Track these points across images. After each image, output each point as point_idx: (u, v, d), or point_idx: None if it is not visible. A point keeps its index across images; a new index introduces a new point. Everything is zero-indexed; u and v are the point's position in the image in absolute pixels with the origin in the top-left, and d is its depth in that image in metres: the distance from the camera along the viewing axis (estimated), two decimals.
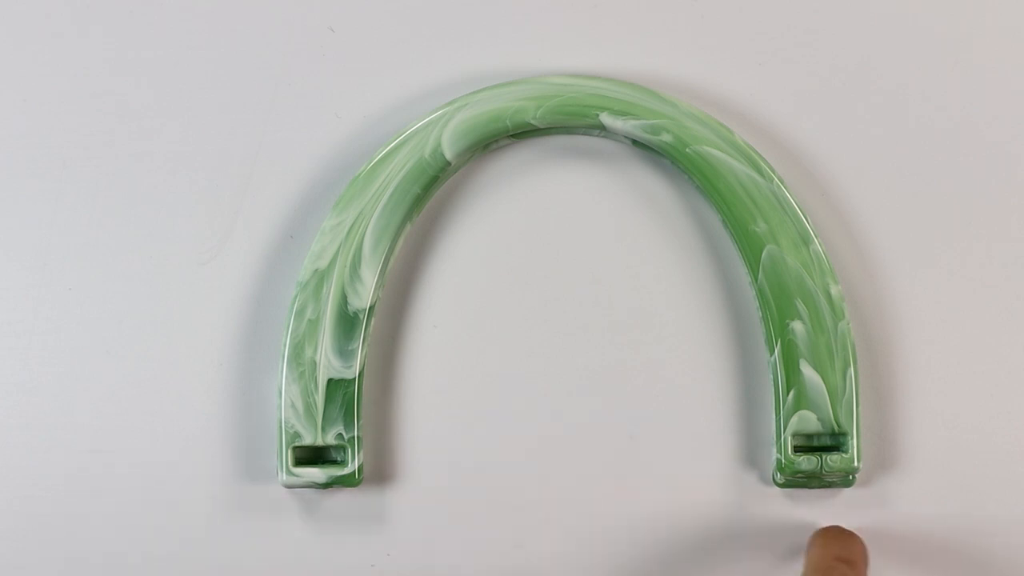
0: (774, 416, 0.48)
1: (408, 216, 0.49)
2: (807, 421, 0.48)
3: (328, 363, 0.48)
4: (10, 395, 0.50)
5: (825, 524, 0.49)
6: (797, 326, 0.48)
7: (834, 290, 0.48)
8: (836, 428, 0.48)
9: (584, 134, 0.50)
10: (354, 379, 0.48)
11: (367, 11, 0.51)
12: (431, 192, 0.49)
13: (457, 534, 0.50)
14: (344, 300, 0.48)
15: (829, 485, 0.49)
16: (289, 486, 0.48)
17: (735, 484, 0.50)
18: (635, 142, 0.50)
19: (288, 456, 0.48)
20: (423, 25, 0.51)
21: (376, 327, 0.50)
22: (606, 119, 0.49)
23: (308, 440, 0.48)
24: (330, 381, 0.48)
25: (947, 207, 0.50)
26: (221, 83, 0.50)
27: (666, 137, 0.49)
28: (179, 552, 0.49)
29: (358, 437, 0.48)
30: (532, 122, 0.49)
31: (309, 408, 0.48)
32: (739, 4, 0.51)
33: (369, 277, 0.48)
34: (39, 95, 0.51)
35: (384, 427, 0.50)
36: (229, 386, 0.50)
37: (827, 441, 0.48)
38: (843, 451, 0.48)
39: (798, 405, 0.48)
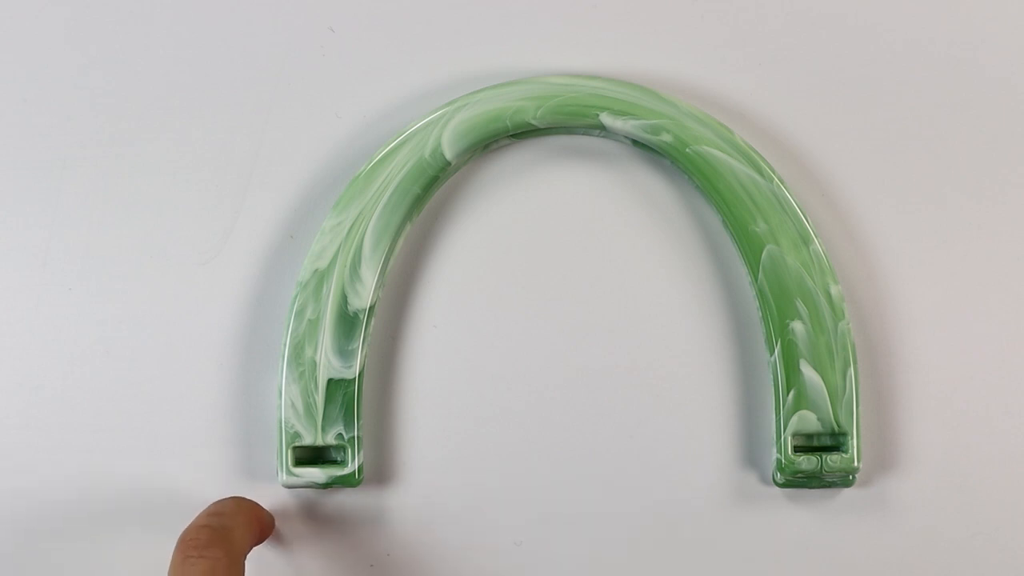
0: (774, 416, 0.48)
1: (408, 216, 0.49)
2: (807, 421, 0.48)
3: (328, 363, 0.48)
4: (10, 395, 0.50)
5: (825, 524, 0.49)
6: (797, 326, 0.48)
7: (834, 290, 0.48)
8: (836, 428, 0.48)
9: (584, 134, 0.50)
10: (354, 379, 0.48)
11: (367, 11, 0.51)
12: (431, 192, 0.49)
13: (457, 534, 0.50)
14: (344, 300, 0.48)
15: (829, 485, 0.49)
16: (289, 486, 0.48)
17: (735, 484, 0.50)
18: (635, 142, 0.50)
19: (288, 456, 0.48)
20: (423, 25, 0.51)
21: (376, 327, 0.50)
22: (606, 119, 0.49)
23: (308, 440, 0.48)
24: (330, 381, 0.48)
25: (947, 207, 0.50)
26: (221, 83, 0.50)
27: (666, 137, 0.49)
28: None
29: (358, 437, 0.48)
30: (532, 122, 0.49)
31: (309, 408, 0.48)
32: (739, 4, 0.51)
33: (369, 277, 0.48)
34: (39, 95, 0.50)
35: (384, 427, 0.50)
36: (229, 386, 0.50)
37: (827, 441, 0.48)
38: (843, 451, 0.48)
39: (798, 405, 0.48)
